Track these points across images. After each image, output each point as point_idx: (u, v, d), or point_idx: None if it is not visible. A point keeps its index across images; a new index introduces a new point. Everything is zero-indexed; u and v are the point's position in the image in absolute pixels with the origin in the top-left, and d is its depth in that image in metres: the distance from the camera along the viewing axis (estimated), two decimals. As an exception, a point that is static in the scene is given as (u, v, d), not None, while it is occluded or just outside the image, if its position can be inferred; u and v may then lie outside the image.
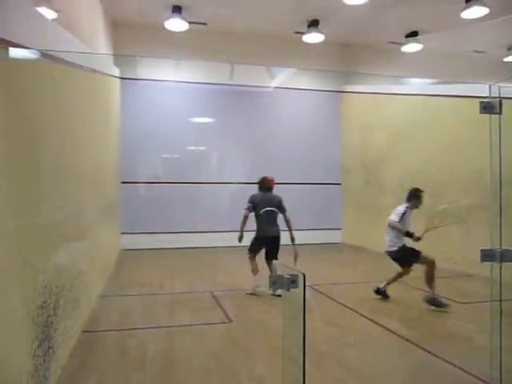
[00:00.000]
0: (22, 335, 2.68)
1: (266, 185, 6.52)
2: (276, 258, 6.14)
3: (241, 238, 6.26)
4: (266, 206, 6.29)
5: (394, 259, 5.91)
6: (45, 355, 3.07)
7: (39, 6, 4.09)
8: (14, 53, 2.53)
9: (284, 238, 6.27)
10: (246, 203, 6.34)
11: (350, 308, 5.53)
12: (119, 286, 6.85)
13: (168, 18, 9.38)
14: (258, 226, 6.33)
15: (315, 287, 6.53)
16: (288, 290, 2.25)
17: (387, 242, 5.88)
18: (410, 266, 5.87)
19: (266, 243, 6.29)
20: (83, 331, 4.52)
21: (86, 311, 4.97)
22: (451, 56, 10.26)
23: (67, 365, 3.68)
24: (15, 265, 2.58)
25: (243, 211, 6.30)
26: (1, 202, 2.27)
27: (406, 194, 6.01)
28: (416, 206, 5.93)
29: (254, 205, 6.31)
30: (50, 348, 3.19)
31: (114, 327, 4.83)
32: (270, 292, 5.64)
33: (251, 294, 6.17)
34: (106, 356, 3.97)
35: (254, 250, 6.37)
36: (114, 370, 3.72)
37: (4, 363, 2.32)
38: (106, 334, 4.64)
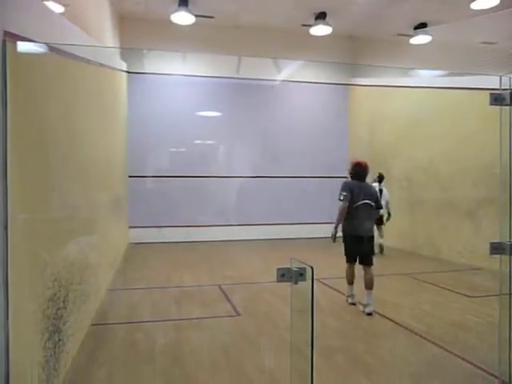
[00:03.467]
0: (32, 328, 2.71)
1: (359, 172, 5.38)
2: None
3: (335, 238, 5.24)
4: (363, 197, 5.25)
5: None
6: (55, 347, 3.10)
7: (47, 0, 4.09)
8: (22, 47, 2.53)
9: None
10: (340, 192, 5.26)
11: (358, 302, 5.52)
12: (128, 279, 6.89)
13: (174, 12, 9.34)
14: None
15: (323, 281, 6.53)
16: (296, 283, 2.25)
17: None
18: None
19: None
20: (92, 324, 4.55)
21: (95, 304, 5.01)
22: (460, 47, 10.13)
23: (77, 357, 3.71)
24: (26, 258, 2.60)
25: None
26: (11, 197, 2.28)
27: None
28: None
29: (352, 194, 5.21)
30: (59, 340, 3.22)
31: (122, 320, 4.87)
32: (361, 308, 5.20)
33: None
34: (115, 349, 4.01)
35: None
36: (123, 362, 3.75)
37: (17, 355, 2.34)
38: (114, 327, 4.67)
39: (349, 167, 5.49)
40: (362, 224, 5.18)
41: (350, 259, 5.34)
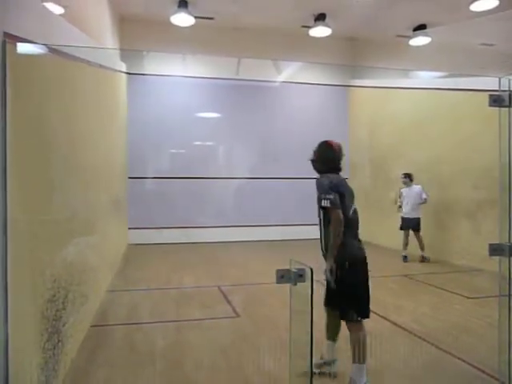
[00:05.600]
0: (32, 329, 2.70)
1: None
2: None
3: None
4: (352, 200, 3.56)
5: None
6: (54, 348, 3.09)
7: (46, 1, 4.09)
8: (22, 48, 2.53)
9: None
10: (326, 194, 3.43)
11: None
12: (127, 280, 6.89)
13: (174, 13, 9.35)
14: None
15: (323, 282, 6.51)
16: (295, 285, 2.25)
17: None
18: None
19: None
20: (92, 325, 4.55)
21: (95, 305, 5.01)
22: (460, 49, 10.15)
23: (76, 358, 3.71)
24: (25, 259, 2.60)
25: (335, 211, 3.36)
26: (11, 198, 2.28)
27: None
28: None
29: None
30: (59, 341, 3.22)
31: (122, 322, 4.86)
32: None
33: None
34: (115, 350, 4.00)
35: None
36: (123, 364, 3.74)
37: (16, 356, 2.34)
38: (114, 328, 4.67)
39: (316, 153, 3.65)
40: (360, 242, 3.46)
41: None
